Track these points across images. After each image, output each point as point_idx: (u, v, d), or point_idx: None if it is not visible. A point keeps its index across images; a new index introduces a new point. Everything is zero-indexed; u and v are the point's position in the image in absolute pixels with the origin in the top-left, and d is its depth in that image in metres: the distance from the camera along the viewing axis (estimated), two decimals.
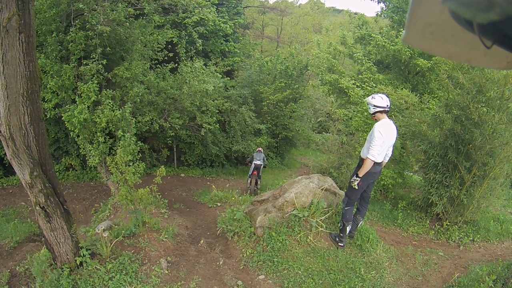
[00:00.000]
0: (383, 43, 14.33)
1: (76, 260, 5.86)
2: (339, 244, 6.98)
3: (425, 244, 8.37)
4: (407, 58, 13.82)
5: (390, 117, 6.47)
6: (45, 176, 5.37)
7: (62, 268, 5.77)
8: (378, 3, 16.19)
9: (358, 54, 15.97)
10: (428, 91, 14.11)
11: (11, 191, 12.95)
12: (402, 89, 11.20)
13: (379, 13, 17.51)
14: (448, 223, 8.72)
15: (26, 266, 6.48)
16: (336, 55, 19.01)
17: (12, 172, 13.38)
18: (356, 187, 6.42)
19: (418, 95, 11.10)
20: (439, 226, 8.85)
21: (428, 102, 11.40)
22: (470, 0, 0.67)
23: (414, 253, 7.65)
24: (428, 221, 9.11)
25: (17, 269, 6.56)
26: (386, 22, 17.81)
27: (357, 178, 6.35)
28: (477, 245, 8.43)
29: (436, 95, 13.50)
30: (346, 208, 6.72)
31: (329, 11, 60.12)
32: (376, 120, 6.27)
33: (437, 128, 8.83)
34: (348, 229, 6.91)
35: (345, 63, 26.42)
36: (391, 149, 6.47)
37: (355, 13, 21.23)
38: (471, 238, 8.54)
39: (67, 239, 5.72)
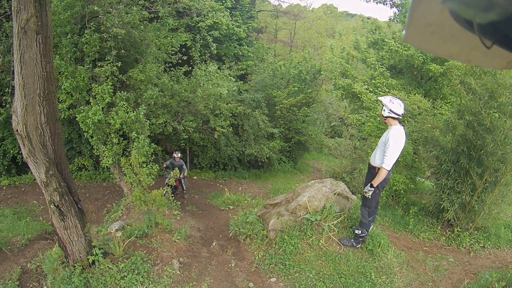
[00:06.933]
0: (396, 48, 14.29)
1: (88, 259, 5.94)
2: (356, 245, 6.98)
3: (435, 250, 8.32)
4: (419, 63, 13.76)
5: (401, 122, 6.41)
6: (60, 175, 5.46)
7: (74, 266, 5.84)
8: (391, 7, 16.10)
9: (371, 59, 15.89)
10: (441, 96, 14.05)
11: (23, 189, 13.13)
12: (415, 94, 11.16)
13: (392, 18, 17.39)
14: (459, 229, 8.66)
15: (38, 263, 6.58)
16: (349, 59, 18.97)
17: (24, 170, 13.60)
18: (370, 197, 6.40)
19: (431, 100, 11.07)
20: (450, 232, 8.78)
21: (440, 107, 11.36)
22: (470, 0, 0.70)
23: (425, 258, 7.61)
24: (439, 227, 9.05)
25: (28, 266, 6.66)
26: (399, 27, 17.72)
27: (371, 189, 6.29)
28: (487, 252, 8.35)
29: (448, 101, 13.43)
30: (369, 219, 6.71)
31: (342, 15, 60.12)
32: (386, 124, 6.23)
33: (449, 134, 8.76)
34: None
35: (358, 68, 26.41)
36: None
37: (368, 18, 21.09)
38: (482, 245, 8.47)
39: (80, 237, 5.80)
